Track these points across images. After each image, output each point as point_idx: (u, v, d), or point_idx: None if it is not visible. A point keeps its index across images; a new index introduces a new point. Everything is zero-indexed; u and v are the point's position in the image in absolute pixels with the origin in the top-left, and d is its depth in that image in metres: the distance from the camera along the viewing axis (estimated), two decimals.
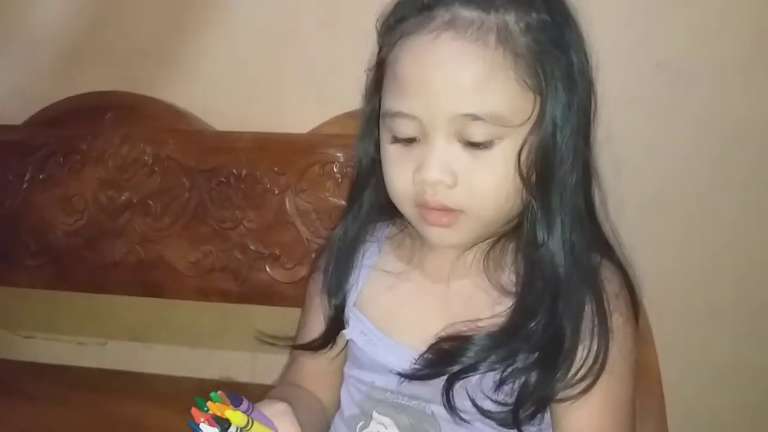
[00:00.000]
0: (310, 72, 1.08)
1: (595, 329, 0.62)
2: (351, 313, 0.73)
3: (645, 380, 0.72)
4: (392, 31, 0.63)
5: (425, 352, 0.65)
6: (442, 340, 0.65)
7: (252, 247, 1.07)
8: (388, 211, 0.71)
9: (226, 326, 1.16)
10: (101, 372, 1.20)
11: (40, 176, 1.12)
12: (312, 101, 1.08)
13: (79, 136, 1.10)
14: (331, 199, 1.04)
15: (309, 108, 1.07)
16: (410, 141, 0.62)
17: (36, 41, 1.15)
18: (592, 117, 0.66)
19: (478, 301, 0.65)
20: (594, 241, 0.66)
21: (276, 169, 1.05)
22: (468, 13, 0.59)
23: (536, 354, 0.61)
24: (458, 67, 0.59)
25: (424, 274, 0.71)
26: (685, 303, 1.06)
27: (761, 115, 0.99)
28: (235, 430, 0.54)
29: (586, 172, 0.65)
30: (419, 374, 0.65)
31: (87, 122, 1.11)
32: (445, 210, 0.62)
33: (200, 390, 0.57)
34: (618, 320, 0.64)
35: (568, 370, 0.61)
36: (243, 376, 1.09)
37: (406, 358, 0.66)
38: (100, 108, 1.11)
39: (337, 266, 0.74)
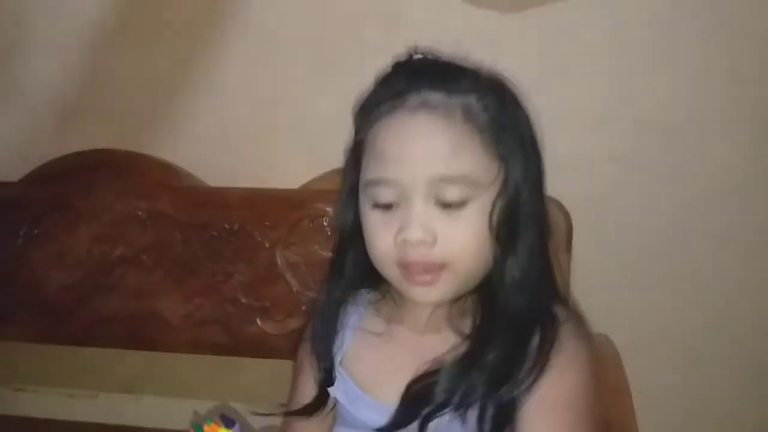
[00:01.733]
0: (300, 129, 1.12)
1: (536, 363, 0.66)
2: (337, 372, 0.77)
3: None
4: (369, 114, 0.71)
5: (399, 404, 0.69)
6: (409, 386, 0.69)
7: (243, 300, 1.08)
8: (369, 278, 0.76)
9: (217, 378, 1.16)
10: (92, 426, 1.20)
11: (35, 232, 1.13)
12: (302, 157, 1.11)
13: (74, 192, 1.13)
14: (320, 252, 1.06)
15: (299, 164, 1.10)
16: (390, 206, 0.69)
17: (32, 101, 1.18)
18: (543, 181, 0.73)
19: (443, 347, 0.70)
20: (551, 287, 0.74)
21: (267, 223, 1.07)
22: (435, 96, 0.68)
23: (490, 380, 0.66)
24: (433, 137, 0.67)
25: (401, 334, 0.76)
26: (667, 357, 1.08)
27: (740, 169, 1.03)
28: None
29: (544, 228, 0.72)
30: (391, 426, 0.69)
31: (82, 179, 1.14)
32: (427, 268, 0.67)
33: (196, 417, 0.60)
34: (565, 359, 0.68)
35: (514, 386, 0.66)
36: None
37: (385, 415, 0.70)
38: (95, 165, 1.14)
39: (323, 331, 0.78)
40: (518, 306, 0.68)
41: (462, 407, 0.66)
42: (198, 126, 1.15)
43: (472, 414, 0.66)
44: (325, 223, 1.06)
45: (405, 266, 0.68)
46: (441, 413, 0.67)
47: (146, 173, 1.14)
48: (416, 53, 0.74)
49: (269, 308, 1.08)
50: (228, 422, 0.62)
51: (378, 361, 0.75)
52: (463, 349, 0.68)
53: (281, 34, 1.10)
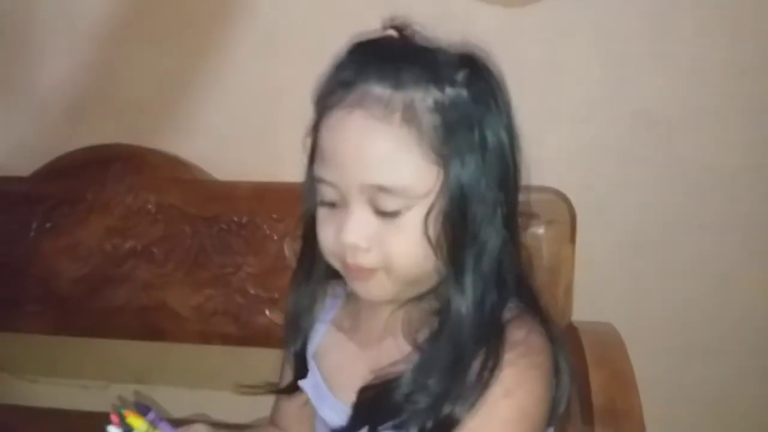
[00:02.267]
0: (306, 123, 1.12)
1: (482, 369, 0.63)
2: (309, 364, 0.77)
3: (628, 423, 0.75)
4: (321, 102, 0.68)
5: (354, 405, 0.68)
6: (360, 392, 0.68)
7: (252, 292, 1.10)
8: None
9: (227, 369, 1.18)
10: (104, 416, 1.20)
11: (47, 225, 1.15)
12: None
13: (85, 186, 1.14)
14: None
15: (306, 157, 1.11)
16: (333, 205, 0.66)
17: (44, 96, 1.19)
18: (512, 186, 0.67)
19: (397, 355, 0.68)
20: (513, 294, 0.69)
21: (275, 216, 1.09)
22: (379, 90, 0.62)
23: (432, 399, 0.63)
24: (366, 142, 0.62)
25: (362, 334, 0.75)
26: (663, 343, 1.09)
27: (734, 162, 1.04)
28: None
29: (508, 229, 0.67)
30: (348, 428, 0.68)
31: (93, 173, 1.14)
32: (360, 270, 0.65)
33: None
34: (509, 369, 0.64)
35: (455, 404, 0.63)
36: (244, 417, 1.11)
37: (342, 416, 0.70)
38: (106, 160, 1.15)
39: (294, 317, 0.78)
40: (465, 326, 0.64)
41: (407, 421, 0.64)
42: (207, 121, 1.16)
43: (414, 430, 0.64)
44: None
45: (345, 266, 0.67)
46: (386, 423, 0.65)
47: (156, 167, 1.14)
48: (390, 27, 0.68)
49: (278, 299, 1.09)
50: (143, 410, 0.66)
51: (341, 360, 0.74)
52: (413, 361, 0.66)
53: (288, 30, 1.10)
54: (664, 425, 0.86)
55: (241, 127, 1.15)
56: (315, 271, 0.76)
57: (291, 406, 0.81)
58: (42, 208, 1.15)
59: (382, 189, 0.62)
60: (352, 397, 0.68)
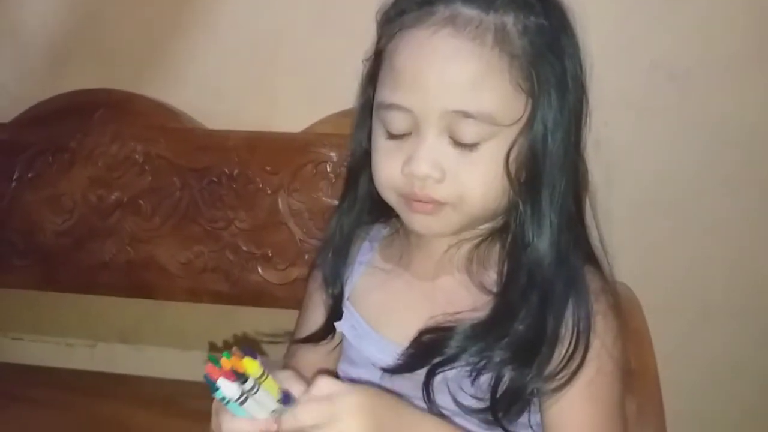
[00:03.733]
0: (303, 70, 1.07)
1: (576, 330, 0.62)
2: (344, 307, 0.74)
3: (643, 383, 0.72)
4: (392, 22, 0.64)
5: (408, 347, 0.66)
6: (422, 333, 0.66)
7: (244, 248, 1.06)
8: (382, 207, 0.71)
9: (217, 328, 1.14)
10: (90, 374, 1.19)
11: (29, 175, 1.11)
12: (305, 100, 1.07)
13: (69, 134, 1.09)
14: (324, 199, 1.03)
15: (302, 107, 1.07)
16: (401, 136, 0.63)
17: (24, 39, 1.14)
18: (583, 123, 0.66)
19: (461, 298, 0.66)
20: (580, 244, 0.67)
21: (268, 168, 1.04)
22: (468, 11, 0.60)
23: (513, 350, 0.62)
24: (453, 64, 0.60)
25: (412, 272, 0.72)
26: (680, 305, 1.06)
27: (754, 115, 1.00)
28: (252, 383, 0.54)
29: (576, 177, 0.66)
30: (399, 368, 0.66)
31: (76, 120, 1.10)
32: (432, 202, 0.63)
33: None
34: (600, 322, 0.64)
35: (544, 367, 0.62)
36: None
37: (391, 354, 0.67)
38: (90, 106, 1.10)
39: (334, 257, 0.75)
40: (545, 268, 0.63)
41: (475, 370, 0.63)
42: (197, 67, 1.11)
43: (486, 379, 0.63)
44: (328, 169, 1.03)
45: (407, 197, 0.64)
46: (451, 367, 0.63)
47: (143, 115, 1.10)
48: None
49: (271, 256, 1.05)
50: (250, 354, 0.56)
51: (386, 299, 0.72)
52: (485, 312, 0.64)
53: None
54: (679, 386, 0.84)
55: (233, 73, 1.10)
56: (357, 211, 0.74)
57: (315, 355, 0.76)
58: (23, 158, 1.11)
59: (467, 115, 0.59)
60: (403, 336, 0.66)
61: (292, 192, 1.04)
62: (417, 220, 0.65)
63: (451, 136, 0.61)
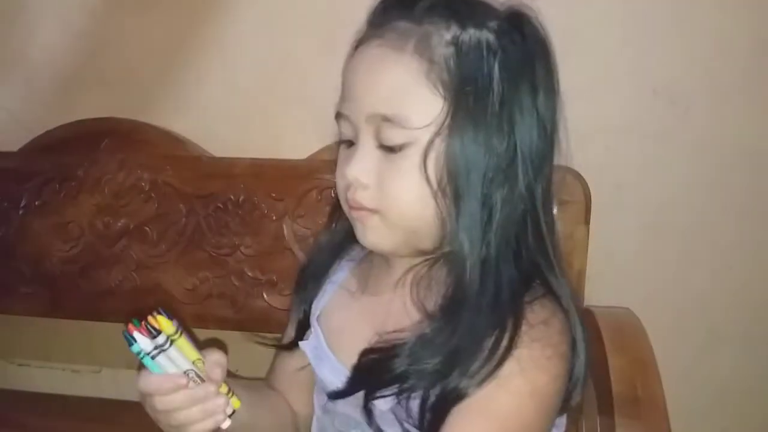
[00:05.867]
0: (308, 98, 1.08)
1: (495, 347, 0.60)
2: (312, 326, 0.76)
3: (650, 411, 0.71)
4: (354, 45, 0.69)
5: (350, 370, 0.67)
6: (361, 355, 0.66)
7: (249, 274, 1.06)
8: None
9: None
10: (96, 401, 1.19)
11: (36, 203, 1.11)
12: (310, 127, 1.08)
13: (76, 162, 1.10)
14: None
15: (307, 134, 1.07)
16: (350, 143, 0.67)
17: (33, 68, 1.15)
18: (542, 160, 0.65)
19: (406, 320, 0.66)
20: (534, 275, 0.66)
21: (273, 194, 1.05)
22: (399, 23, 0.64)
23: (440, 365, 0.61)
24: (376, 69, 0.63)
25: (369, 294, 0.73)
26: (686, 329, 1.05)
27: (756, 139, 1.00)
28: (164, 339, 0.60)
29: (532, 207, 0.64)
30: (339, 393, 0.68)
31: (84, 149, 1.11)
32: (362, 208, 0.65)
33: None
34: (527, 347, 0.61)
35: (459, 380, 0.60)
36: None
37: (341, 378, 0.68)
38: (97, 134, 1.11)
39: (311, 275, 0.78)
40: (475, 287, 0.61)
41: (408, 389, 0.62)
42: (203, 95, 1.12)
43: (415, 402, 0.62)
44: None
45: (347, 204, 0.67)
46: (385, 390, 0.63)
47: (150, 143, 1.10)
48: None
49: (276, 282, 1.05)
50: (165, 314, 0.63)
51: (344, 320, 0.73)
52: (422, 329, 0.63)
53: (288, 3, 1.06)
54: (686, 414, 0.83)
55: (239, 101, 1.11)
56: (337, 228, 0.77)
57: (287, 367, 0.80)
58: (31, 185, 1.11)
59: (386, 119, 0.62)
60: (353, 360, 0.67)
61: (297, 218, 1.04)
62: (357, 229, 0.67)
63: (379, 141, 0.63)
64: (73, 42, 1.13)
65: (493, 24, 0.63)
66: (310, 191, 1.04)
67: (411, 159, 0.62)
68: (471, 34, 0.62)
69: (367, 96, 0.63)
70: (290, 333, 0.80)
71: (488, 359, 0.60)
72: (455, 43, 0.61)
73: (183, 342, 0.62)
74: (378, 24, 0.66)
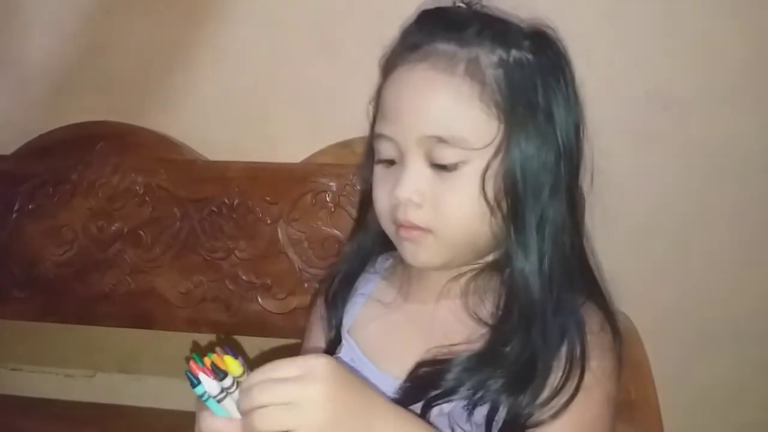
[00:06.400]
0: (303, 101, 1.08)
1: (569, 361, 0.62)
2: (344, 339, 0.75)
3: (643, 414, 0.71)
4: (388, 64, 0.70)
5: (404, 381, 0.66)
6: (418, 366, 0.66)
7: (244, 278, 1.06)
8: (387, 240, 0.72)
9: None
10: (89, 405, 1.18)
11: (30, 206, 1.11)
12: (305, 130, 1.08)
13: (70, 166, 1.10)
14: (323, 228, 1.03)
15: (302, 137, 1.07)
16: (391, 162, 0.67)
17: (27, 71, 1.15)
18: (575, 167, 0.68)
19: (457, 331, 0.66)
20: (579, 279, 0.68)
21: (268, 198, 1.05)
22: (444, 47, 0.65)
23: (506, 380, 0.62)
24: (427, 92, 0.64)
25: (410, 305, 0.73)
26: (679, 330, 1.06)
27: (747, 142, 1.00)
28: (231, 381, 0.56)
29: (574, 210, 0.67)
30: (396, 402, 0.65)
31: (78, 152, 1.11)
32: (415, 227, 0.65)
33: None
34: (597, 358, 0.64)
35: (536, 396, 0.61)
36: None
37: (388, 388, 0.67)
38: (91, 138, 1.11)
39: (339, 289, 0.77)
40: (532, 297, 0.64)
41: (471, 402, 0.63)
42: (198, 98, 1.11)
43: (481, 411, 0.63)
44: (328, 199, 1.04)
45: (395, 223, 0.66)
46: (447, 400, 0.64)
47: (144, 146, 1.10)
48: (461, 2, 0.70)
49: (270, 286, 1.05)
50: (231, 353, 0.59)
51: (384, 332, 0.73)
52: (480, 343, 0.64)
53: (284, 4, 1.06)
54: (680, 417, 0.84)
55: (233, 105, 1.11)
56: (364, 244, 0.77)
57: None
58: (24, 189, 1.11)
59: (440, 140, 0.63)
60: (400, 369, 0.67)
61: (292, 221, 1.04)
62: (405, 249, 0.67)
63: (430, 160, 0.64)
64: (67, 45, 1.13)
65: (527, 43, 0.66)
66: (304, 195, 1.04)
67: (466, 177, 0.63)
68: (514, 54, 0.65)
69: (418, 118, 0.64)
70: (315, 352, 0.76)
71: (568, 374, 0.61)
72: (503, 64, 0.64)
73: None
74: (415, 46, 0.66)
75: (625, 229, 1.02)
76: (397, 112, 0.65)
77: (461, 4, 0.70)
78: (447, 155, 0.63)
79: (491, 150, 0.63)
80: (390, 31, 0.72)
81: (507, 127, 0.63)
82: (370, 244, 0.77)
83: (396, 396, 0.66)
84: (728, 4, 0.96)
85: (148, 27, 1.10)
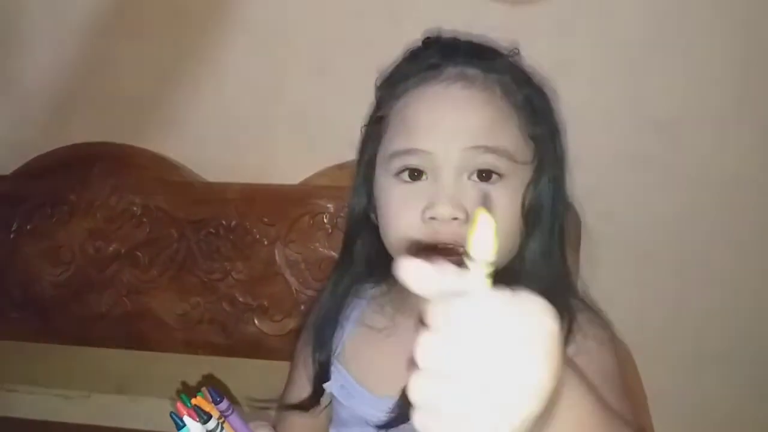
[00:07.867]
0: (301, 123, 1.09)
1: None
2: (333, 366, 0.74)
3: None
4: (395, 88, 0.69)
5: (399, 398, 0.66)
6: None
7: (240, 299, 1.06)
8: (376, 269, 0.72)
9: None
10: (85, 427, 1.17)
11: (28, 227, 1.11)
12: (302, 152, 1.08)
13: (68, 186, 1.10)
14: (321, 250, 1.03)
15: (299, 159, 1.08)
16: (417, 178, 0.64)
17: (25, 92, 1.16)
18: (566, 171, 0.72)
19: None
20: (564, 281, 0.72)
21: (265, 219, 1.05)
22: (472, 71, 0.67)
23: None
24: (469, 109, 0.65)
25: (409, 328, 0.71)
26: (677, 356, 1.05)
27: (746, 167, 1.00)
28: (215, 424, 0.59)
29: (563, 219, 0.71)
30: (392, 421, 0.66)
31: (76, 173, 1.11)
32: (455, 250, 0.62)
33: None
34: (594, 341, 0.65)
35: None
36: None
37: (383, 409, 0.67)
38: (89, 159, 1.12)
39: (325, 321, 0.75)
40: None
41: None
42: (196, 120, 1.12)
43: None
44: (325, 220, 1.04)
45: (430, 248, 0.63)
46: None
47: (142, 168, 1.11)
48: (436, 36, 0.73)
49: (267, 308, 1.05)
50: (216, 397, 0.62)
51: (378, 357, 0.72)
52: None
53: (282, 27, 1.07)
54: None
55: (231, 126, 1.11)
56: (352, 273, 0.75)
57: (303, 418, 0.77)
58: (22, 209, 1.11)
59: (487, 150, 0.63)
60: (392, 391, 0.66)
61: (289, 243, 1.04)
62: None
63: (471, 172, 0.63)
64: (66, 66, 1.14)
65: (532, 74, 0.71)
66: (302, 216, 1.04)
67: (507, 192, 0.64)
68: (532, 85, 0.70)
69: (463, 131, 0.64)
70: (303, 386, 0.76)
71: None
72: (528, 93, 0.68)
73: (235, 419, 0.62)
74: (436, 66, 0.67)
75: (617, 249, 1.03)
76: (435, 126, 0.64)
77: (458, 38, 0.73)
78: (491, 166, 0.63)
79: (530, 168, 0.66)
80: (388, 55, 0.73)
81: (538, 148, 0.67)
82: (355, 273, 0.75)
83: (391, 414, 0.66)
84: (725, 29, 0.97)
85: (146, 49, 1.10)
